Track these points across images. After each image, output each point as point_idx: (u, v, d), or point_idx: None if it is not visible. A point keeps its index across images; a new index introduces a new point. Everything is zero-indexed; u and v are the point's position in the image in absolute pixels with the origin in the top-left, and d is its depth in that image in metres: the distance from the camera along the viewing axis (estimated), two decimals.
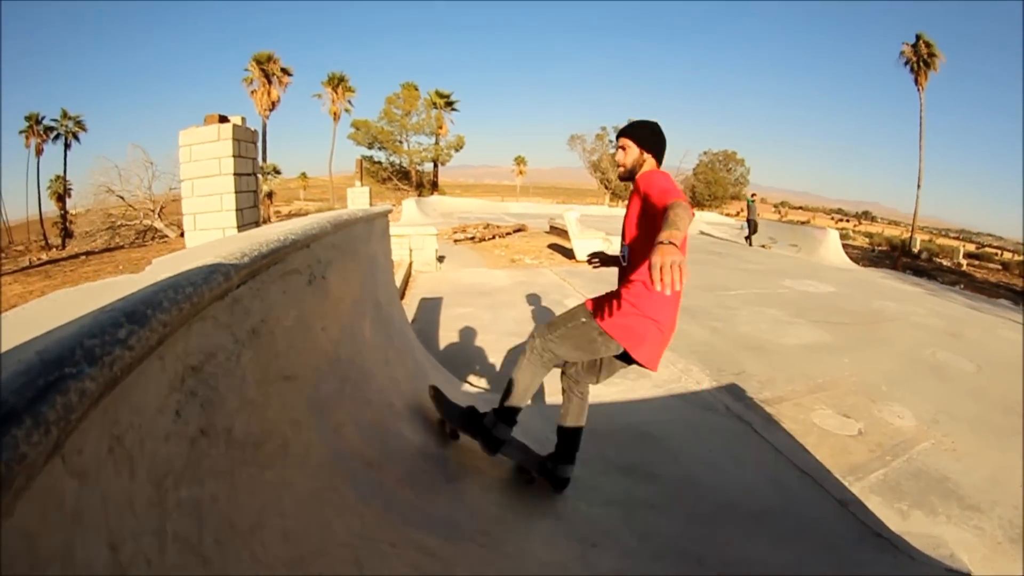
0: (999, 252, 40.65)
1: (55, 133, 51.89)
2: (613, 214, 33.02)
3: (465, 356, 5.61)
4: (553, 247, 14.42)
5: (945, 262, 27.85)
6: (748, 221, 20.31)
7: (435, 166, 51.34)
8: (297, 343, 1.71)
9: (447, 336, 6.26)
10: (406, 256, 10.35)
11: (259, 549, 1.23)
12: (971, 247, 40.97)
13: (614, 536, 2.84)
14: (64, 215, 45.75)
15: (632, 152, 2.76)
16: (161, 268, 1.30)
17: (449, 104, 50.23)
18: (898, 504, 3.67)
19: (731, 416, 4.75)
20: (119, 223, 27.44)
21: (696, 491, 3.51)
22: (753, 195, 21.06)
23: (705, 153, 58.73)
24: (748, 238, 19.94)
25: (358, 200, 13.91)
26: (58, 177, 51.47)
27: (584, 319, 2.78)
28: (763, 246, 19.39)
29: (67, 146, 52.48)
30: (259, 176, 6.55)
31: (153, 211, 27.27)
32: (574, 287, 9.44)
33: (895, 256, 25.95)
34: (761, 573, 2.74)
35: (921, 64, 36.98)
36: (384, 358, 2.92)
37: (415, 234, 10.72)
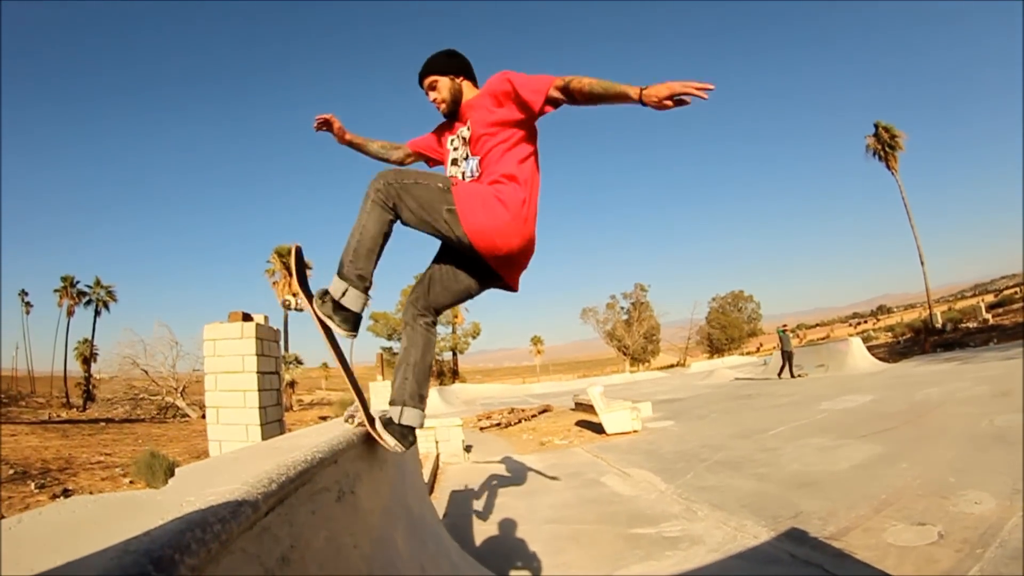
0: (1018, 290, 40.50)
1: (87, 298, 55.20)
2: (636, 379, 33.23)
3: (504, 549, 5.38)
4: (581, 423, 14.33)
5: (971, 324, 27.76)
6: (783, 352, 20.15)
7: (454, 355, 52.36)
8: (328, 565, 1.66)
9: (482, 530, 6.01)
10: (432, 448, 10.33)
11: None
12: (990, 297, 40.91)
13: None
14: (88, 378, 47.42)
15: (444, 84, 2.72)
16: (185, 482, 1.32)
17: None
18: None
19: (798, 563, 4.49)
20: (141, 395, 28.02)
21: None
22: (784, 327, 21.23)
23: (714, 299, 60.58)
24: (787, 369, 19.66)
25: (382, 394, 13.97)
26: (86, 340, 54.36)
27: (442, 185, 2.48)
28: (800, 375, 19.17)
29: (97, 312, 55.48)
30: (281, 368, 6.69)
31: (176, 389, 27.66)
32: (608, 463, 9.23)
33: (922, 340, 25.78)
34: None
35: (887, 149, 39.27)
36: (419, 566, 2.82)
37: (440, 426, 10.78)
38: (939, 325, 30.46)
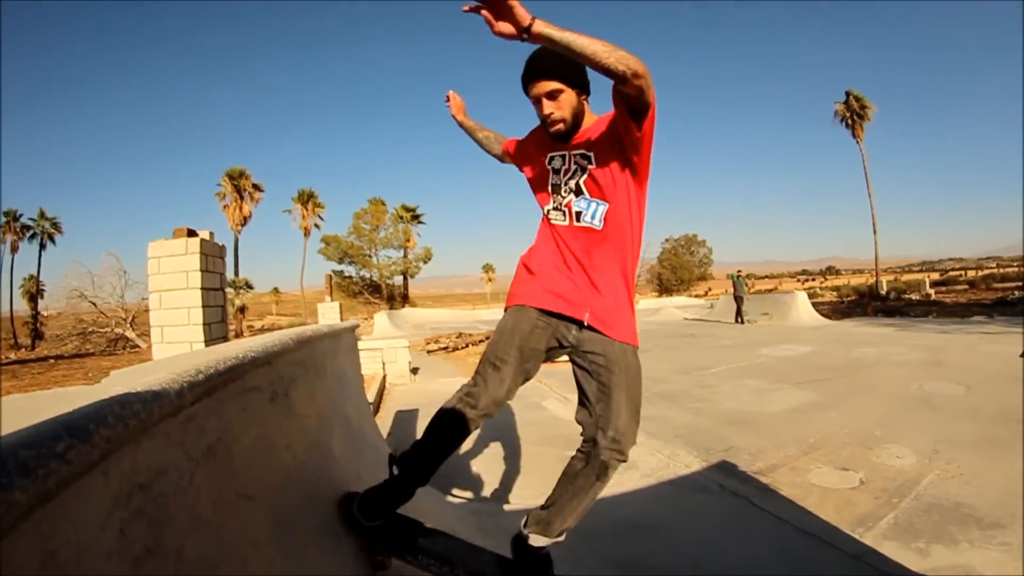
0: (963, 273, 42.29)
1: (31, 232, 52.70)
2: None
3: (446, 467, 5.47)
4: None
5: (914, 296, 28.96)
6: (736, 298, 20.55)
7: (405, 279, 52.49)
8: (258, 462, 1.71)
9: None
10: (379, 369, 10.54)
11: None
12: (935, 275, 42.61)
13: None
14: (35, 316, 46.29)
15: (569, 99, 2.14)
16: (118, 380, 1.34)
17: (416, 218, 52.42)
18: (916, 544, 3.69)
19: (726, 493, 4.76)
20: (90, 329, 27.60)
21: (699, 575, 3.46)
22: (739, 272, 21.44)
23: (668, 240, 61.00)
24: (739, 316, 20.11)
25: (328, 315, 14.07)
26: (31, 277, 52.93)
27: None
28: (748, 321, 19.68)
29: (42, 246, 53.19)
30: (228, 291, 6.61)
31: (125, 320, 27.37)
32: (551, 388, 9.55)
33: (865, 303, 26.78)
34: None
35: (855, 118, 40.27)
36: (355, 474, 2.89)
37: (387, 347, 10.96)
38: (883, 292, 31.66)
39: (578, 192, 2.19)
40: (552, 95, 2.11)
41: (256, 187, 47.11)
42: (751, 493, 4.67)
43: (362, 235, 50.42)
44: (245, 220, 46.80)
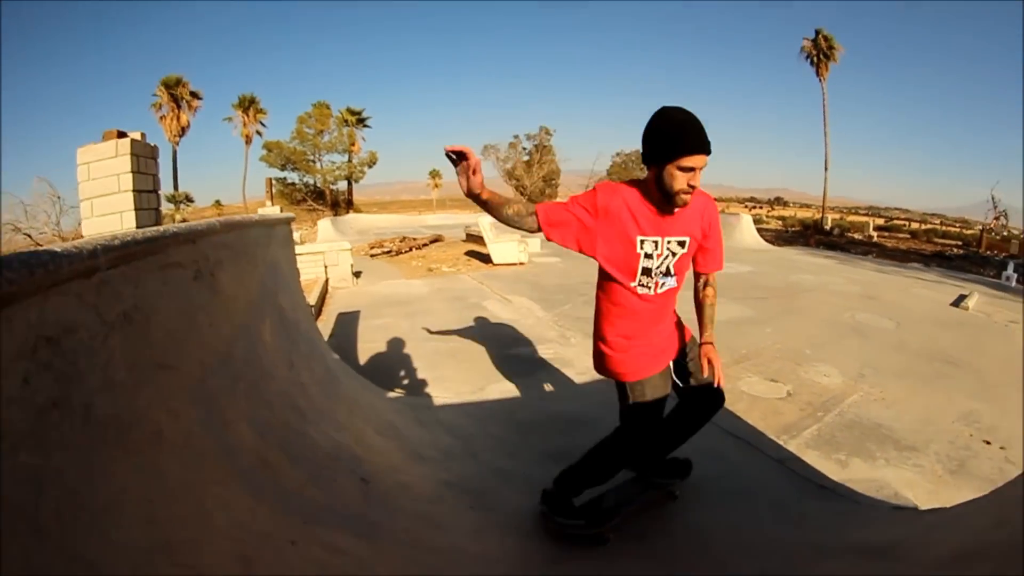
0: (907, 223, 43.72)
1: None
2: None
3: (386, 365, 5.70)
4: (470, 254, 14.73)
5: (857, 236, 29.78)
6: None
7: (349, 184, 51.19)
8: (179, 335, 1.74)
9: (366, 348, 6.32)
10: (321, 273, 10.57)
11: (113, 529, 1.20)
12: (880, 221, 43.86)
13: None
14: None
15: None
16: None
17: (361, 121, 50.49)
18: (836, 455, 3.88)
19: None
20: None
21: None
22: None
23: (618, 154, 60.56)
24: None
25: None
26: None
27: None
28: None
29: None
30: (168, 207, 6.35)
31: None
32: (492, 289, 9.70)
33: (808, 234, 27.45)
34: (703, 537, 2.81)
35: (821, 57, 40.84)
36: (287, 362, 2.93)
37: (329, 250, 10.94)
38: (827, 228, 32.47)
39: (667, 273, 2.45)
40: (701, 167, 2.20)
41: (194, 95, 44.36)
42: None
43: (305, 140, 48.33)
44: (183, 131, 44.43)
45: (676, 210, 2.31)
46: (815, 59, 40.99)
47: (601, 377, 5.05)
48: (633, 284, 2.42)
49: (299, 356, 3.19)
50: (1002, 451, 4.04)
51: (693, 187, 2.21)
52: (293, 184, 50.64)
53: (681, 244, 2.40)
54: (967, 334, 7.36)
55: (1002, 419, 4.58)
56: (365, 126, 51.11)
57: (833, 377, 5.39)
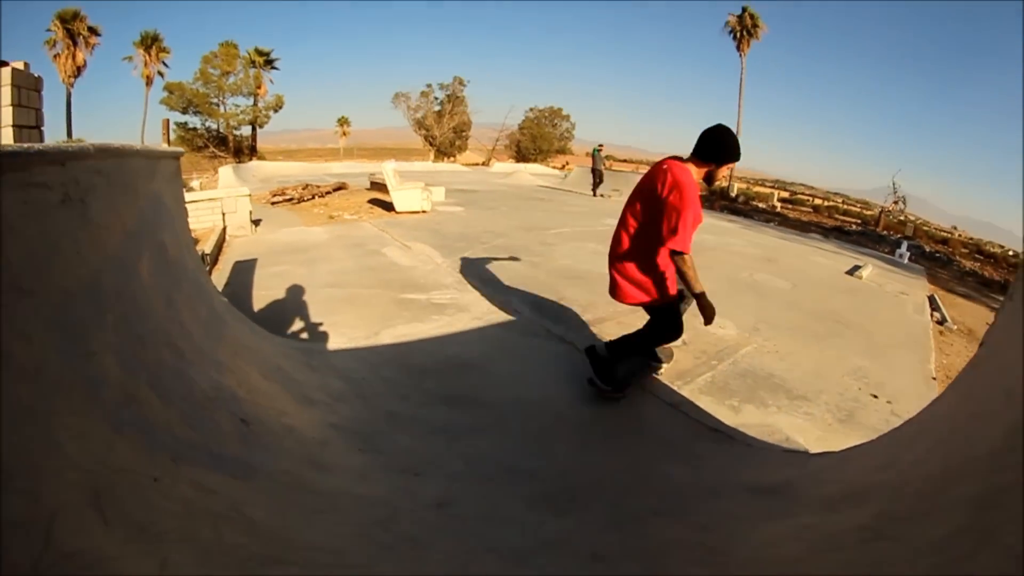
0: (811, 198, 45.77)
1: None
2: (437, 169, 33.63)
3: (281, 311, 5.58)
4: (373, 202, 14.43)
5: (761, 205, 30.90)
6: (593, 171, 20.65)
7: (253, 130, 48.40)
8: (39, 258, 1.68)
9: (262, 295, 6.14)
10: (219, 221, 10.15)
11: None
12: (785, 194, 45.69)
13: (438, 464, 2.89)
14: None
15: None
16: None
17: (269, 62, 47.69)
18: (729, 401, 4.02)
19: (553, 338, 4.94)
20: None
21: (523, 411, 3.62)
22: (599, 147, 21.49)
23: (532, 110, 60.38)
24: (594, 188, 20.26)
25: None
26: None
27: None
28: (606, 196, 19.94)
29: None
30: (43, 122, 5.79)
31: None
32: (393, 236, 9.51)
33: (714, 199, 28.20)
34: (597, 477, 2.86)
35: (745, 33, 42.12)
36: (167, 299, 2.79)
37: (227, 196, 10.45)
38: (733, 195, 33.48)
39: None
40: None
41: (92, 31, 40.85)
42: (577, 340, 4.87)
43: (209, 82, 45.36)
44: (79, 71, 40.88)
45: None
46: (738, 35, 42.26)
47: (494, 322, 5.22)
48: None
49: (181, 295, 3.09)
50: (888, 405, 4.30)
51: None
52: (195, 129, 47.91)
53: None
54: (859, 300, 7.78)
55: (890, 377, 4.86)
56: (273, 68, 48.70)
57: (728, 329, 5.56)
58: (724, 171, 3.58)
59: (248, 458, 2.27)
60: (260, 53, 47.47)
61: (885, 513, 1.68)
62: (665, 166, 3.56)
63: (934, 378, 5.05)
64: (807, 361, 4.96)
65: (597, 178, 20.17)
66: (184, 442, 2.03)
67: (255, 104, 46.69)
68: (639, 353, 3.93)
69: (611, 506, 2.56)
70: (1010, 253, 25.84)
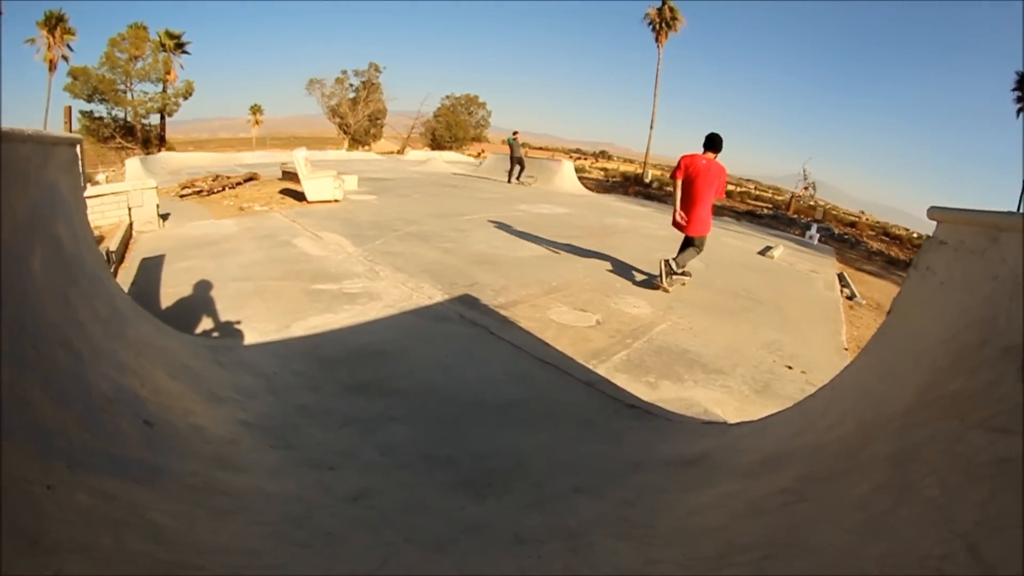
0: (733, 186, 47.19)
1: None
2: (350, 158, 33.13)
3: (189, 308, 5.40)
4: (285, 192, 14.05)
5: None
6: (512, 158, 20.48)
7: (162, 119, 45.63)
8: None
9: (170, 292, 5.91)
10: (125, 216, 9.65)
11: None
12: None
13: (353, 455, 2.82)
14: None
15: None
16: None
17: (180, 46, 45.03)
18: (645, 378, 4.05)
19: (466, 323, 4.90)
20: None
21: (438, 397, 3.57)
22: (515, 133, 21.30)
23: (448, 97, 59.88)
24: (510, 175, 20.11)
25: None
26: None
27: None
28: (526, 183, 19.86)
29: None
30: None
31: None
32: (303, 226, 9.26)
33: (627, 185, 28.70)
34: (517, 459, 2.84)
35: (663, 25, 43.33)
36: (62, 297, 2.62)
37: (133, 190, 9.89)
38: (647, 180, 34.15)
39: None
40: None
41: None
42: (491, 324, 4.85)
43: (116, 66, 42.82)
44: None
45: None
46: (657, 27, 43.39)
47: (407, 309, 5.17)
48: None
49: (78, 293, 2.91)
50: (803, 375, 4.45)
51: None
52: (101, 119, 45.07)
53: None
54: (771, 278, 8.12)
55: (804, 349, 5.06)
56: (184, 52, 46.29)
57: (642, 308, 5.65)
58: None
59: (152, 461, 2.16)
60: (171, 36, 45.09)
61: (805, 476, 1.69)
62: (708, 160, 6.52)
63: (846, 349, 5.27)
64: (722, 336, 5.07)
65: (516, 165, 20.07)
66: (81, 447, 1.91)
67: (164, 91, 44.37)
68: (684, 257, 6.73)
69: (532, 487, 2.52)
70: (915, 235, 27.41)
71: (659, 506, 2.19)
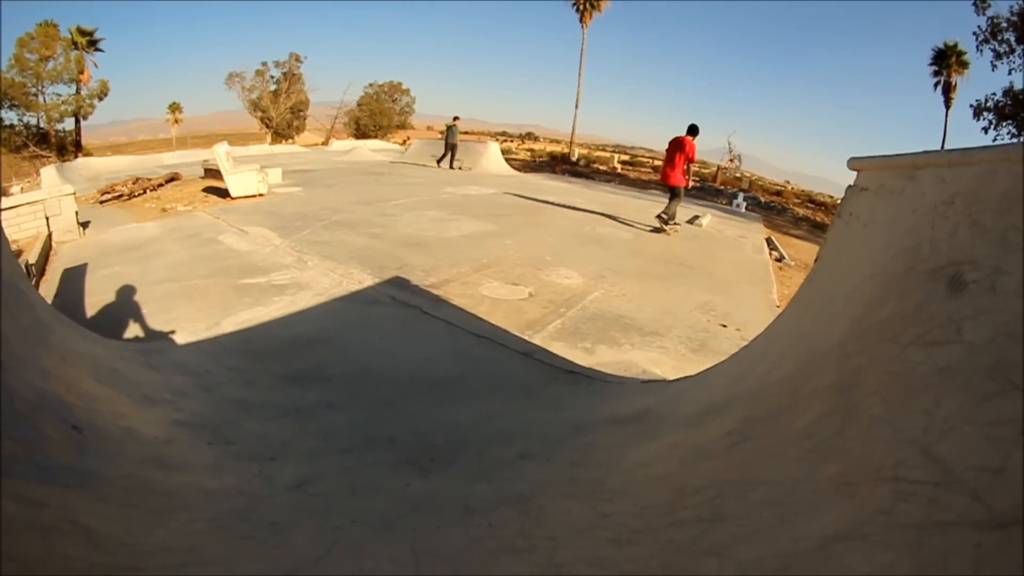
0: (651, 160, 47.95)
1: None
2: (274, 151, 32.20)
3: (116, 314, 5.24)
4: (208, 190, 13.60)
5: (602, 167, 31.88)
6: (446, 143, 20.12)
7: (77, 122, 42.74)
8: None
9: (95, 300, 5.71)
10: (43, 226, 9.20)
11: None
12: (626, 157, 47.54)
13: (293, 444, 2.78)
14: None
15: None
16: None
17: (93, 43, 42.18)
18: (582, 344, 4.08)
19: (398, 304, 4.85)
20: None
21: (375, 379, 3.53)
22: (455, 119, 20.92)
23: (371, 85, 58.85)
24: (443, 160, 19.77)
25: None
26: None
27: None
28: (460, 167, 19.65)
29: None
30: None
31: None
32: (229, 223, 9.01)
33: (555, 163, 28.85)
34: (459, 433, 2.83)
35: (588, 5, 43.18)
36: None
37: (49, 198, 9.38)
38: (575, 159, 34.41)
39: None
40: None
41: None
42: (423, 303, 4.82)
43: (26, 69, 40.16)
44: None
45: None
46: (581, 7, 43.30)
47: (337, 296, 5.11)
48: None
49: None
50: (738, 331, 4.58)
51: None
52: (12, 126, 42.29)
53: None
54: (701, 244, 8.35)
55: (736, 308, 5.20)
56: (97, 50, 43.66)
57: (574, 279, 5.69)
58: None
59: (83, 465, 2.06)
60: (83, 33, 42.33)
61: (748, 417, 1.72)
62: (677, 137, 9.19)
63: (778, 306, 5.44)
64: (655, 301, 5.16)
65: (451, 151, 19.81)
66: (5, 456, 1.79)
67: (78, 92, 41.85)
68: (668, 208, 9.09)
69: (476, 458, 2.51)
70: (838, 201, 28.51)
71: (606, 463, 2.20)
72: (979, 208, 1.18)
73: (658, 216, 9.26)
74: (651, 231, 9.22)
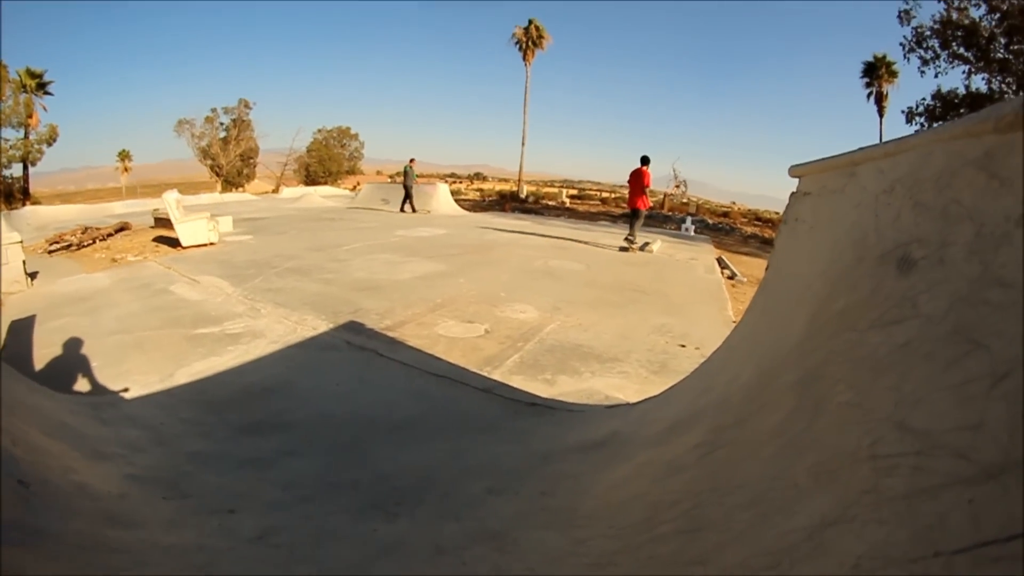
0: (598, 192, 48.86)
1: None
2: (224, 200, 31.89)
3: (65, 368, 5.11)
4: (159, 240, 13.41)
5: (551, 203, 32.29)
6: (405, 187, 19.96)
7: (25, 169, 41.26)
8: None
9: (44, 353, 5.56)
10: None
11: None
12: (573, 191, 48.38)
13: (253, 495, 2.69)
14: None
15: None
16: None
17: (42, 86, 40.92)
18: (542, 376, 4.06)
19: (354, 349, 4.80)
20: None
21: (334, 425, 3.47)
22: (411, 161, 20.78)
23: (319, 131, 58.91)
24: (405, 204, 19.58)
25: None
26: None
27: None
28: (416, 211, 19.52)
29: None
30: None
31: None
32: (180, 272, 8.86)
33: (504, 202, 29.12)
34: (423, 474, 2.78)
35: (530, 44, 44.34)
36: None
37: None
38: (523, 196, 34.84)
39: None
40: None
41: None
42: (379, 346, 4.78)
43: None
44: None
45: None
46: (524, 46, 44.41)
47: (292, 343, 5.05)
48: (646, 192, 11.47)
49: None
50: (697, 350, 4.61)
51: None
52: None
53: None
54: (653, 269, 8.45)
55: (693, 328, 5.27)
56: (47, 93, 42.50)
57: (529, 313, 5.70)
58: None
59: (31, 522, 1.95)
60: (32, 75, 41.06)
61: (717, 426, 1.72)
62: (636, 169, 11.19)
63: (734, 321, 5.47)
64: (612, 328, 5.18)
65: (408, 193, 19.57)
66: None
67: (26, 137, 40.63)
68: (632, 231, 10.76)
69: (443, 497, 2.45)
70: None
71: (577, 489, 2.17)
72: (919, 189, 1.21)
73: (625, 238, 11.07)
74: (619, 250, 10.75)
